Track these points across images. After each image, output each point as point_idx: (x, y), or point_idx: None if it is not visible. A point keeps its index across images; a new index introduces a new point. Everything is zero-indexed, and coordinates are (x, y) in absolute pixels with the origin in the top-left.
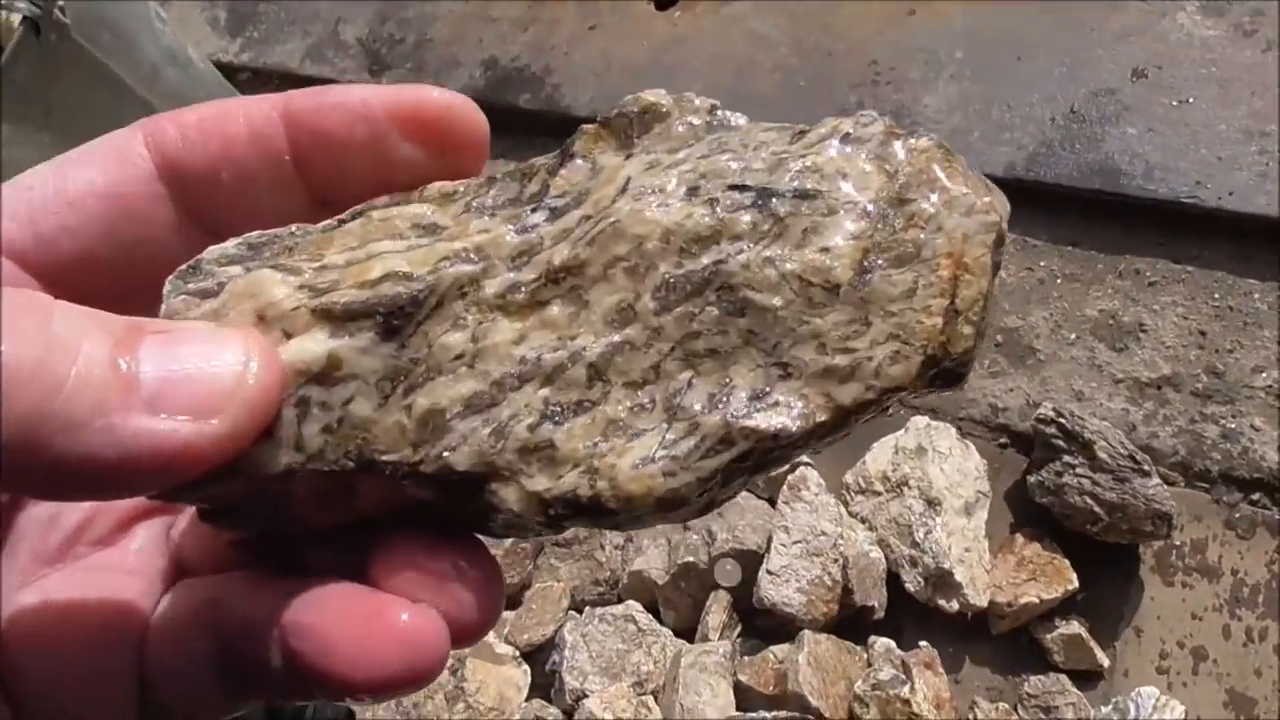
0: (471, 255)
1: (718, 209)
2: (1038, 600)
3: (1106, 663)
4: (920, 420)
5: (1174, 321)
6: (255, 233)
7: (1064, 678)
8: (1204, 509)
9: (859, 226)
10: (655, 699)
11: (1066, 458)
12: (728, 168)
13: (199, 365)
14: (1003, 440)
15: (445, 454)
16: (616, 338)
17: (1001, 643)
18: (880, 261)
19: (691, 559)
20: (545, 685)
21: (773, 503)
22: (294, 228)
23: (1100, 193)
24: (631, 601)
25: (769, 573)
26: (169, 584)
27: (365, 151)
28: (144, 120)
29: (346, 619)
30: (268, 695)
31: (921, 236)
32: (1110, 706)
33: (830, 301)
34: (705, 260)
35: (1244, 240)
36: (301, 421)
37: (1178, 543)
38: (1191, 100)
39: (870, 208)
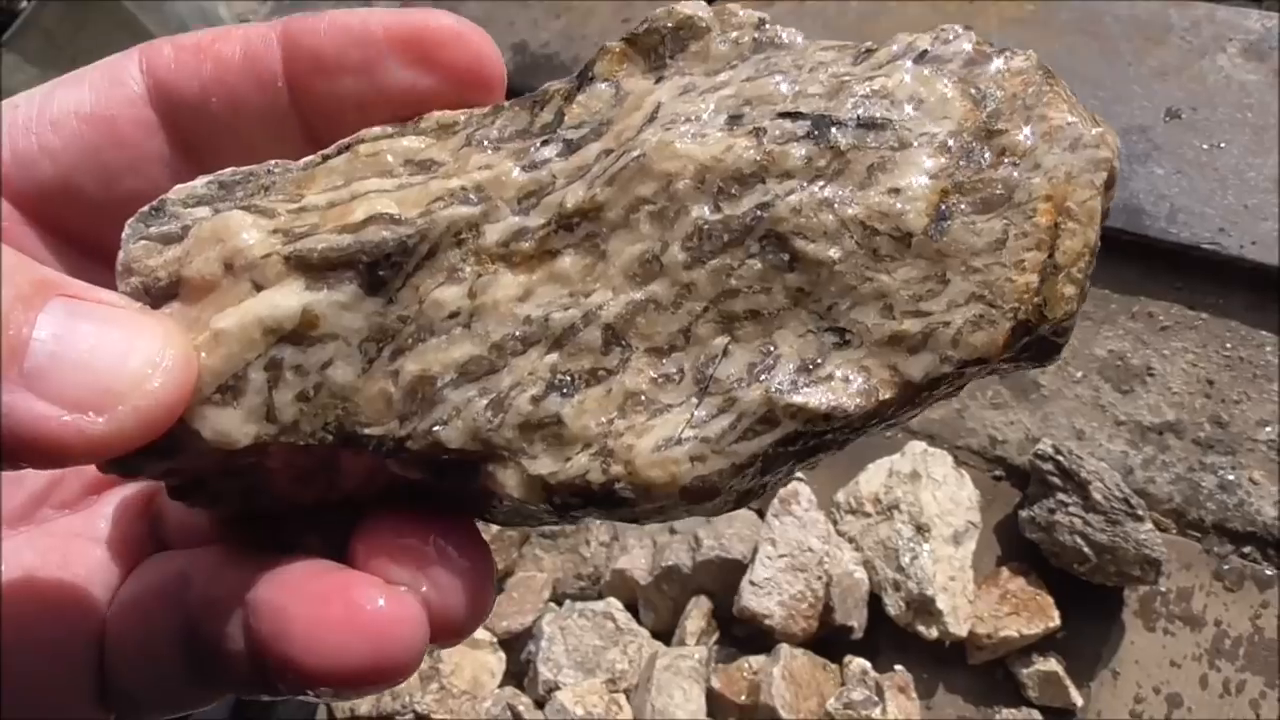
0: (470, 195)
1: (764, 141)
2: (1017, 635)
3: (1080, 702)
4: (918, 445)
5: (1183, 368)
6: (230, 170)
7: (1036, 714)
8: (1194, 558)
9: (937, 163)
10: (627, 698)
11: (1061, 495)
12: (778, 92)
13: (98, 352)
14: (998, 473)
15: (435, 429)
16: (639, 295)
17: (977, 673)
18: (962, 206)
19: (675, 562)
20: (519, 674)
21: (761, 514)
22: (273, 164)
23: (1121, 231)
24: (612, 599)
25: (751, 583)
26: (146, 555)
27: (360, 75)
28: (145, 43)
29: (306, 597)
30: (233, 685)
31: (1015, 175)
32: None
33: (900, 253)
34: (748, 203)
35: (1261, 291)
36: (273, 388)
37: (1164, 589)
38: (1223, 145)
39: (951, 141)
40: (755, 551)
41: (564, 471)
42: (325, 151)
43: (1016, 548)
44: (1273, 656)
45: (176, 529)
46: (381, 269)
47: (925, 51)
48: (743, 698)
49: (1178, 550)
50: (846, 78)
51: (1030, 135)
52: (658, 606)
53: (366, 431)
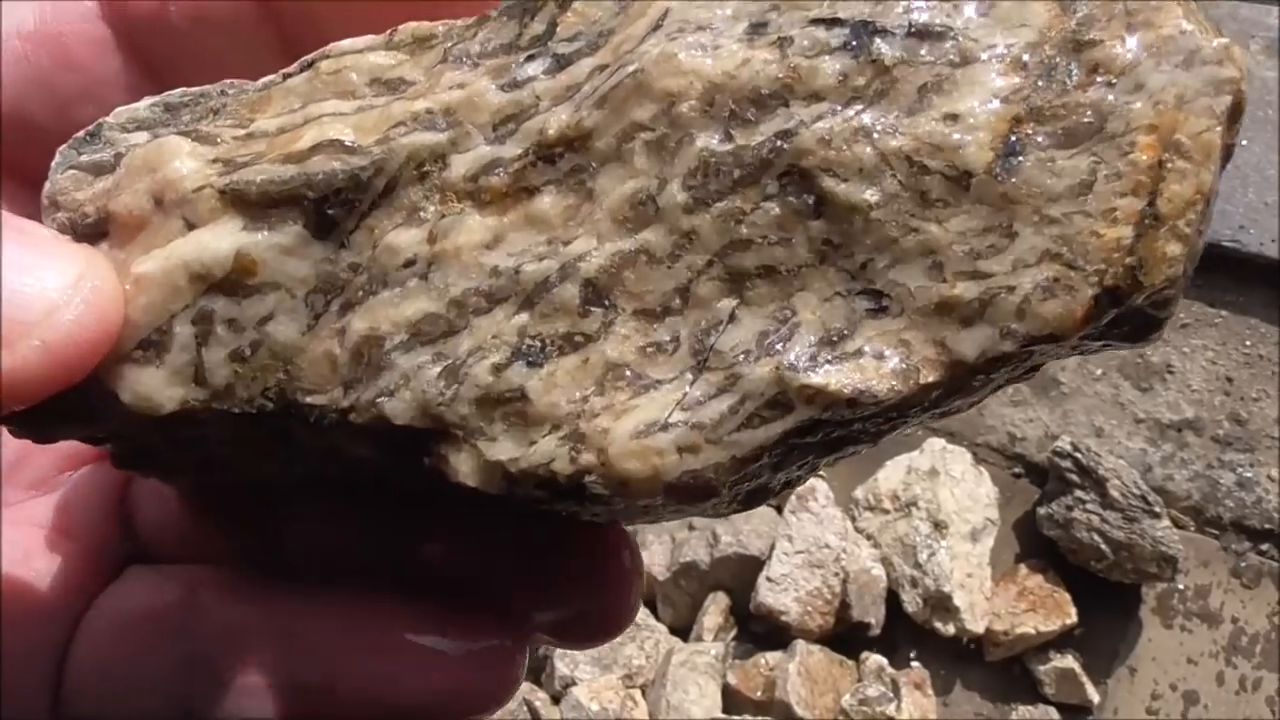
0: (438, 120)
1: (789, 53)
2: (1034, 631)
3: (1097, 699)
4: (937, 442)
5: (1202, 365)
6: (179, 90)
7: (1053, 710)
8: (1212, 555)
9: (1008, 83)
10: (643, 693)
11: (1079, 493)
12: (815, 46)
13: (7, 279)
14: (1017, 470)
15: (380, 400)
16: (628, 244)
17: (995, 670)
18: (1039, 138)
19: (693, 558)
20: (536, 670)
21: (780, 510)
22: (228, 84)
23: None
24: None
25: (769, 579)
26: (119, 555)
27: None
28: None
29: (371, 637)
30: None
31: (1109, 99)
32: None
33: (955, 198)
34: (766, 131)
35: None
36: (202, 345)
37: (1181, 586)
38: (1245, 142)
39: (1028, 56)
40: (773, 548)
41: (526, 458)
42: (287, 70)
43: (1035, 545)
44: None
45: (152, 527)
46: (331, 207)
47: None
48: (759, 694)
49: (1195, 547)
50: None
51: (1133, 48)
52: (676, 602)
53: (309, 400)
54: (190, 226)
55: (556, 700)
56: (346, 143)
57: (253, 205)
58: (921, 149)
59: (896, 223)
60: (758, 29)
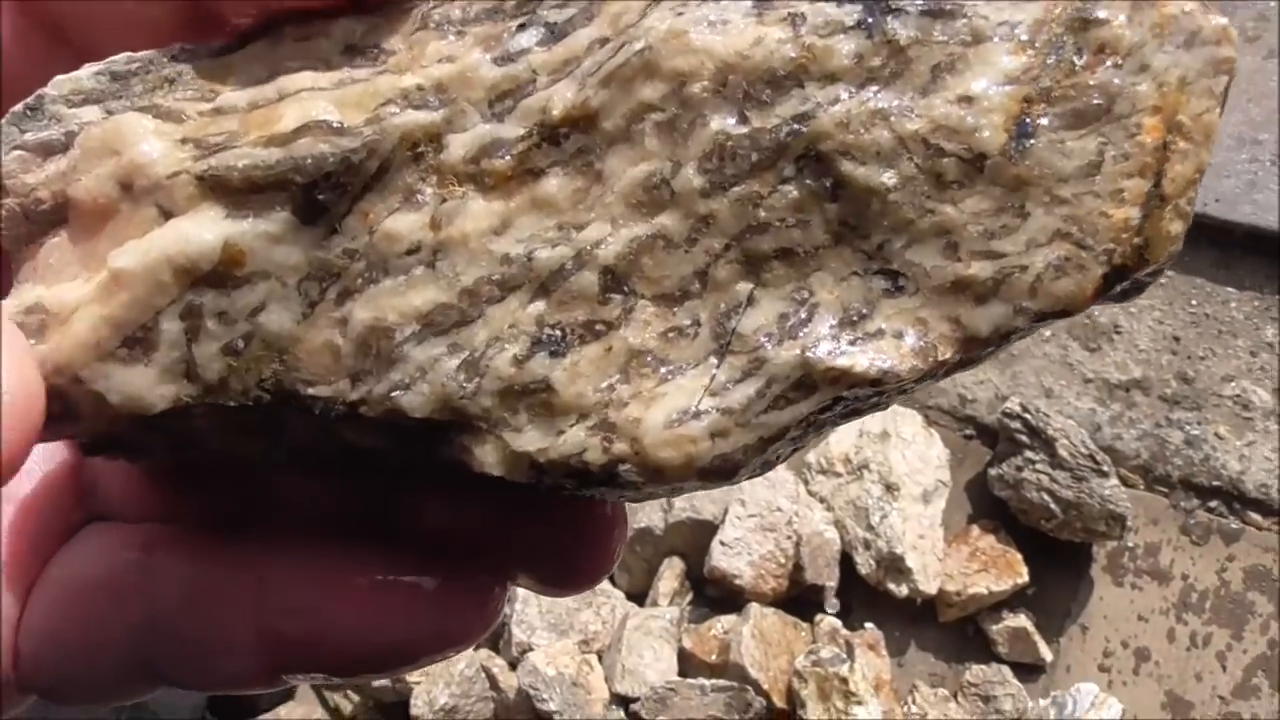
0: (430, 98)
1: (803, 31)
2: (986, 591)
3: (1049, 657)
4: None
5: (1149, 325)
6: (123, 56)
7: (1006, 669)
8: (1161, 513)
9: (1018, 63)
10: (599, 658)
11: (1028, 453)
12: (828, 24)
13: None
14: (968, 431)
15: (395, 394)
16: (644, 229)
17: (948, 630)
18: (1048, 119)
19: (647, 524)
20: (494, 637)
21: None
22: (177, 48)
23: None
24: None
25: (721, 543)
26: (75, 517)
27: None
28: None
29: (350, 578)
30: (218, 680)
31: (1115, 81)
32: (1049, 700)
33: (969, 179)
34: (782, 113)
35: (1226, 248)
36: (192, 341)
37: (1131, 544)
38: None
39: (1035, 34)
40: (726, 512)
41: (556, 448)
42: (244, 32)
43: (986, 506)
44: (1238, 609)
45: (110, 488)
46: (320, 192)
47: None
48: (713, 657)
49: (1145, 505)
50: None
51: (1136, 28)
52: (631, 568)
53: (311, 392)
54: (166, 215)
55: (514, 666)
56: (333, 123)
57: (235, 191)
58: (938, 131)
59: (913, 204)
60: (766, 3)
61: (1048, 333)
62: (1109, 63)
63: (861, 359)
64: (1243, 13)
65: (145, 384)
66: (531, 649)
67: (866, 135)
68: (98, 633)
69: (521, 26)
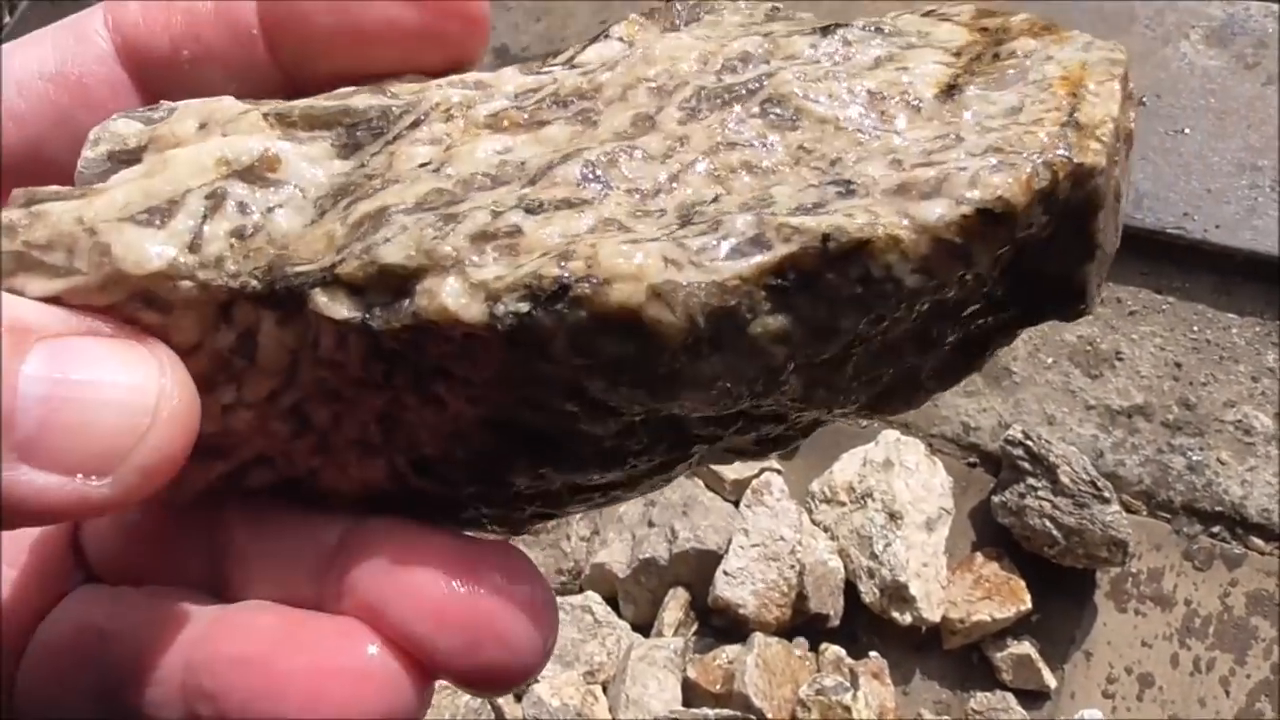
0: (470, 83)
1: (774, 34)
2: (990, 619)
3: (1054, 684)
4: (891, 434)
5: (1151, 351)
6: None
7: (1010, 696)
8: (1164, 539)
9: (947, 58)
10: (604, 690)
11: (1030, 480)
12: (790, 32)
13: (92, 408)
14: (972, 459)
15: (374, 247)
16: (625, 143)
17: (952, 658)
18: (974, 86)
19: (652, 555)
20: None
21: (736, 504)
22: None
23: None
24: (591, 593)
25: (725, 573)
26: (71, 576)
27: (338, 14)
28: (107, 3)
29: (288, 648)
30: None
31: (1028, 63)
32: None
33: (910, 118)
34: (751, 73)
35: (1226, 274)
36: (208, 218)
37: (1134, 570)
38: (1187, 130)
39: (962, 50)
40: (729, 542)
41: (513, 275)
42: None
43: (990, 533)
44: (1242, 634)
45: (100, 561)
46: (361, 131)
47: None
48: (718, 687)
49: (1148, 531)
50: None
51: (1040, 45)
52: (637, 599)
53: (296, 269)
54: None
55: (519, 698)
56: (386, 92)
57: (290, 125)
58: (881, 86)
59: (863, 132)
60: (746, 29)
61: (1049, 360)
62: (1021, 58)
63: (812, 220)
64: (1241, 40)
65: (150, 244)
66: (536, 680)
67: (821, 85)
68: (60, 696)
69: (550, 68)
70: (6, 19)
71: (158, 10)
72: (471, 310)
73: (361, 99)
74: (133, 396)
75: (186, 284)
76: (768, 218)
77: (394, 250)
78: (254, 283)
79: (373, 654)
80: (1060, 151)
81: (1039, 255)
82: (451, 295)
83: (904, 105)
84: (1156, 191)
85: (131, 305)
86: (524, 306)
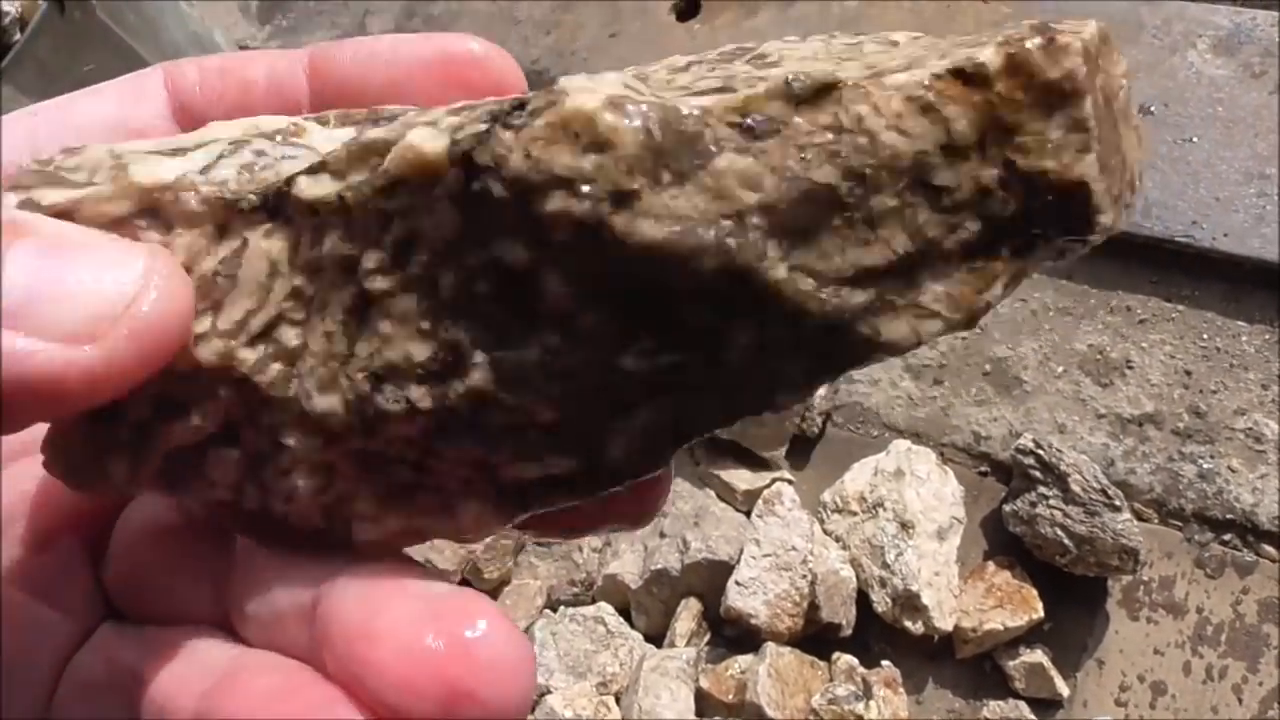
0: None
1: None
2: (1002, 627)
3: (1066, 692)
4: (902, 444)
5: (1161, 360)
6: None
7: (1023, 704)
8: (1175, 547)
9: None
10: (617, 700)
11: (1041, 489)
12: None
13: (78, 280)
14: (983, 468)
15: (365, 133)
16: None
17: (965, 667)
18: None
19: (664, 565)
20: None
21: (748, 515)
22: None
23: None
24: (603, 603)
25: (737, 583)
26: (96, 618)
27: (386, 99)
28: (166, 62)
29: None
30: None
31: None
32: None
33: (887, 48)
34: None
35: (1236, 282)
36: (225, 156)
37: (1146, 578)
38: (1195, 139)
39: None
40: (741, 552)
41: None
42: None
43: (1001, 542)
44: (1254, 642)
45: (127, 590)
46: (384, 120)
47: None
48: (730, 697)
49: (1159, 539)
50: None
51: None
52: (649, 610)
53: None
54: None
55: (532, 709)
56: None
57: (325, 122)
58: (854, 45)
59: (845, 59)
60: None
61: (1060, 368)
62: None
63: (778, 71)
64: (1248, 49)
65: (166, 163)
66: (549, 691)
67: (805, 45)
68: None
69: None
70: (19, 35)
71: (214, 79)
72: (437, 144)
73: (394, 108)
74: (121, 270)
75: (189, 196)
76: (739, 81)
77: (384, 130)
78: (252, 197)
79: None
80: (1032, 38)
81: (1036, 151)
82: (419, 137)
83: (883, 41)
84: (1165, 200)
85: (136, 221)
86: (482, 125)
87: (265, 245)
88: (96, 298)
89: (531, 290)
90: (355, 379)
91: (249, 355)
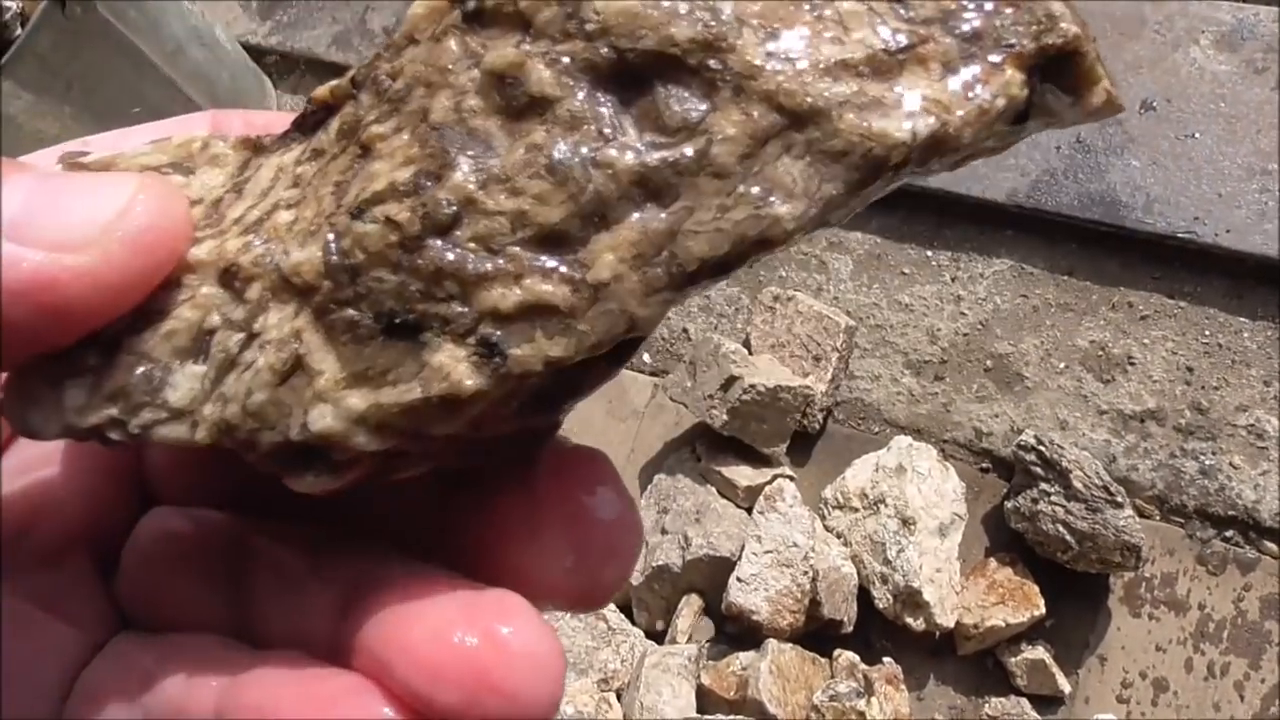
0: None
1: None
2: (1004, 624)
3: (1068, 689)
4: (904, 440)
5: (1163, 356)
6: None
7: (1025, 701)
8: (1177, 543)
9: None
10: (618, 697)
11: (1043, 485)
12: None
13: (74, 199)
14: (985, 465)
15: None
16: None
17: (967, 663)
18: None
19: (665, 562)
20: None
21: (750, 511)
22: None
23: (1099, 223)
24: None
25: (738, 579)
26: (109, 631)
27: None
28: (215, 110)
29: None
30: None
31: None
32: None
33: None
34: None
35: (1238, 278)
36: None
37: (1148, 575)
38: (1197, 135)
39: None
40: (742, 549)
41: None
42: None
43: (1003, 538)
44: (1256, 638)
45: (139, 602)
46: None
47: None
48: (732, 693)
49: (1161, 536)
50: None
51: None
52: (650, 606)
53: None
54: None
55: None
56: None
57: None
58: None
59: None
60: None
61: (1062, 365)
62: None
63: None
64: (1251, 45)
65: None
66: None
67: None
68: None
69: None
70: (19, 31)
71: (260, 128)
72: None
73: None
74: (113, 188)
75: (220, 143)
76: None
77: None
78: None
79: (386, 715)
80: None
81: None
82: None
83: None
84: (1167, 196)
85: (164, 169)
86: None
87: (279, 160)
88: (90, 210)
89: (519, 88)
90: (337, 221)
91: (238, 242)
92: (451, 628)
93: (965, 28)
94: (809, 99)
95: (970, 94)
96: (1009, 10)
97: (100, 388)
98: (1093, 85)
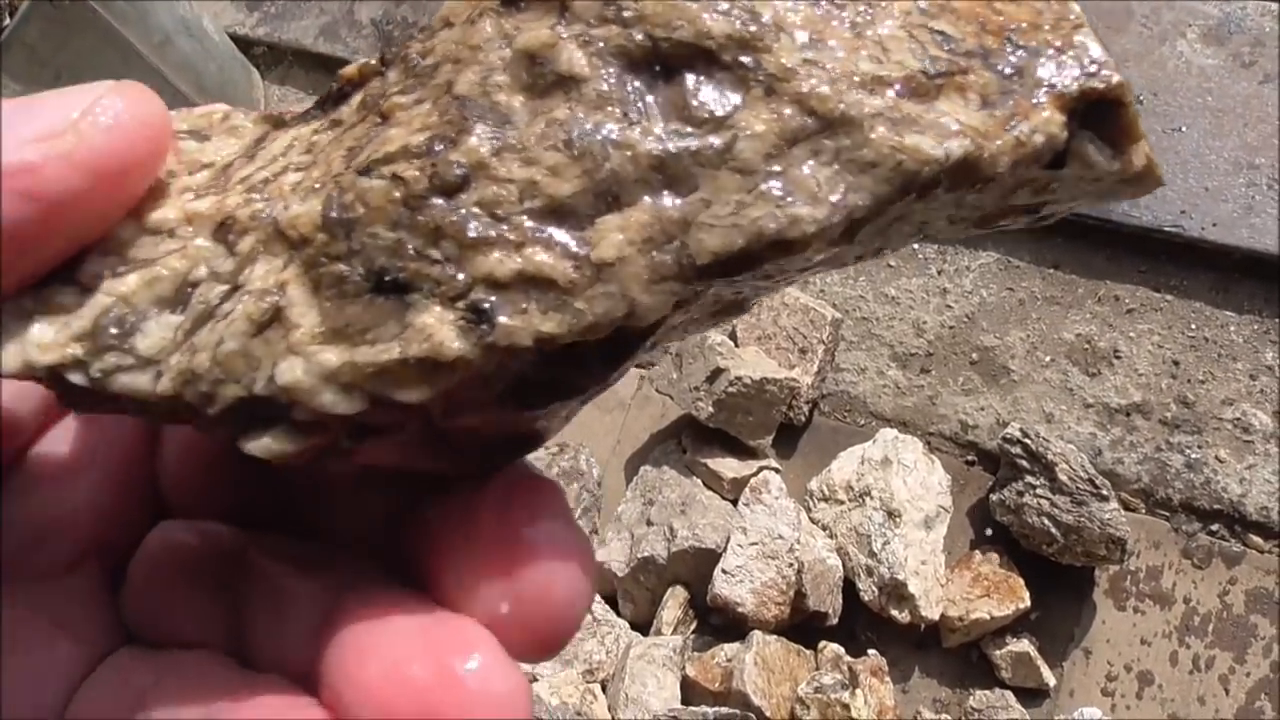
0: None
1: None
2: (989, 616)
3: (1053, 682)
4: (889, 432)
5: (1149, 349)
6: None
7: (1009, 694)
8: (1163, 536)
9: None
10: (603, 688)
11: (1029, 478)
12: None
13: (58, 101)
14: (970, 457)
15: None
16: None
17: (952, 656)
18: None
19: (651, 554)
20: None
21: (735, 503)
22: None
23: (1085, 217)
24: None
25: (724, 571)
26: (114, 644)
27: None
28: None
29: None
30: None
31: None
32: None
33: None
34: None
35: (1224, 272)
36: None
37: (1133, 568)
38: (1184, 129)
39: None
40: (728, 541)
41: None
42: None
43: (989, 531)
44: (1241, 632)
45: (144, 617)
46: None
47: None
48: (717, 685)
49: (1146, 529)
50: None
51: None
52: (636, 598)
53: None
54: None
55: None
56: None
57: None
58: None
59: None
60: None
61: (1048, 358)
62: None
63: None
64: (1238, 39)
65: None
66: (535, 679)
67: None
68: None
69: None
70: (7, 20)
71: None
72: None
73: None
74: (87, 88)
75: (241, 114)
76: None
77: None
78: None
79: None
80: None
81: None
82: None
83: None
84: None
85: (180, 137)
86: None
87: (296, 131)
88: (63, 106)
89: (548, 66)
90: (343, 179)
91: (239, 199)
92: (407, 662)
93: (1007, 66)
94: (842, 106)
95: (1008, 126)
96: (1052, 52)
97: (69, 326)
98: (1134, 141)
